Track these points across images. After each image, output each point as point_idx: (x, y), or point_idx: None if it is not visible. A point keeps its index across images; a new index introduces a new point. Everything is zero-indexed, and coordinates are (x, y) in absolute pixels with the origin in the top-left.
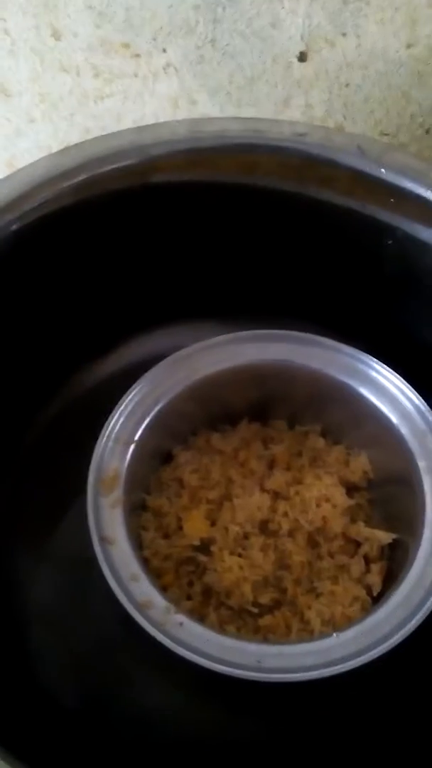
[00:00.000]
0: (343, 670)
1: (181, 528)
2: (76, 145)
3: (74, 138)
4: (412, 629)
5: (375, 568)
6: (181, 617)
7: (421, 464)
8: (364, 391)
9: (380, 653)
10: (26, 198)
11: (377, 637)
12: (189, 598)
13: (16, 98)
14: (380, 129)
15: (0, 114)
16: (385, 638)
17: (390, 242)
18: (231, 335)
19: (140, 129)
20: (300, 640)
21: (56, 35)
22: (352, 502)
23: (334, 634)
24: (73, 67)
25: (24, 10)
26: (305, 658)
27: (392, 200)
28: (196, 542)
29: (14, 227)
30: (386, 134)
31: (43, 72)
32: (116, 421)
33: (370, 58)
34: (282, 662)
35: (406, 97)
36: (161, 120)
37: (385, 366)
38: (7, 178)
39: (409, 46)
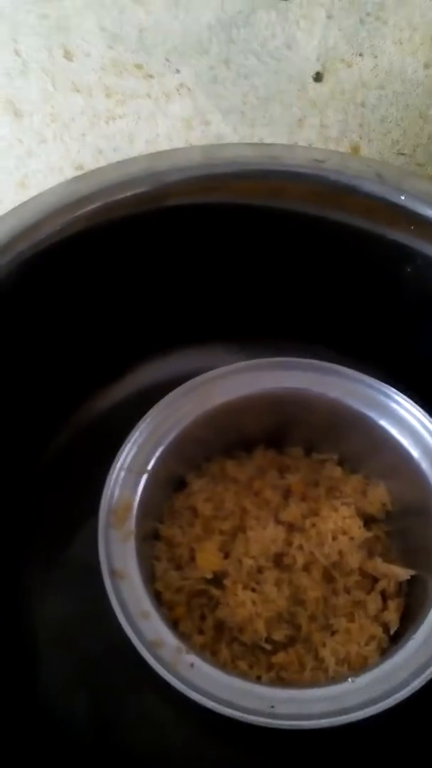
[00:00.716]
0: (357, 719)
1: (193, 559)
2: (91, 171)
3: (86, 158)
4: (431, 676)
5: (392, 605)
6: (192, 657)
7: None
8: (383, 423)
9: (396, 702)
10: (42, 225)
11: (394, 684)
12: (201, 632)
13: (28, 118)
14: (397, 149)
15: (11, 134)
16: (402, 686)
17: (409, 269)
18: (248, 362)
19: (155, 156)
20: (313, 684)
21: (68, 56)
22: (369, 534)
23: (350, 679)
24: (86, 88)
25: (36, 32)
26: (319, 704)
27: (412, 227)
28: (209, 575)
29: (29, 255)
30: (403, 154)
31: (55, 92)
32: (129, 450)
33: (387, 78)
34: (295, 708)
35: (423, 117)
36: (174, 140)
37: (405, 397)
38: (23, 204)
39: (427, 66)
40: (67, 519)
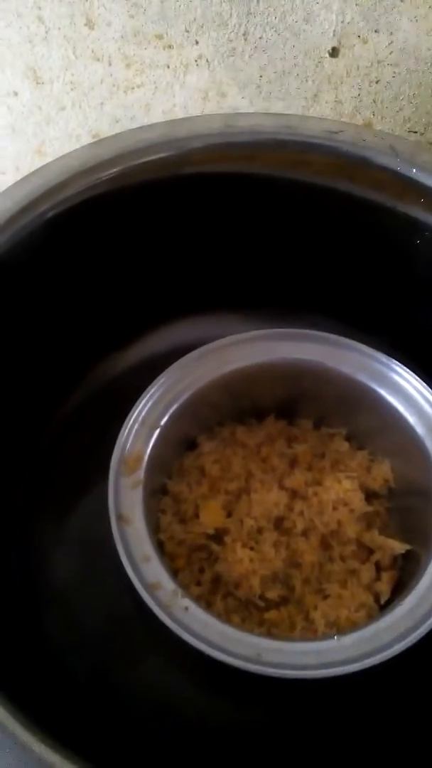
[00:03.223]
0: (340, 673)
1: (197, 515)
2: (112, 136)
3: (103, 127)
4: (414, 641)
5: (385, 576)
6: (187, 601)
7: None
8: (393, 400)
9: (379, 661)
10: (64, 187)
11: (377, 645)
12: (198, 584)
13: (48, 86)
14: (408, 126)
15: (31, 101)
16: (386, 647)
17: (419, 241)
18: (264, 331)
19: (175, 122)
20: (301, 639)
21: (90, 24)
22: (369, 508)
23: (335, 637)
24: (106, 57)
25: None
26: (304, 657)
27: (423, 200)
28: (211, 531)
29: (50, 215)
30: (414, 132)
31: (76, 60)
32: (144, 405)
33: (401, 55)
34: (281, 658)
35: None
36: (190, 111)
37: (414, 375)
38: (46, 166)
39: None
40: (80, 475)
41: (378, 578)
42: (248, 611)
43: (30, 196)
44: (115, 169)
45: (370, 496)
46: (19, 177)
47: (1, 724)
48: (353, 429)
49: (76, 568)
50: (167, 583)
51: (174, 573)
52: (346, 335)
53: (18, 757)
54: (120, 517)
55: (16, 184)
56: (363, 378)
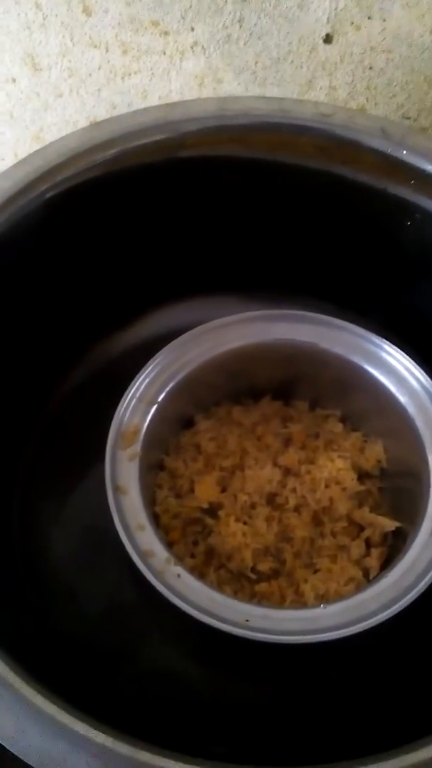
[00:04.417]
0: (326, 639)
1: (193, 491)
2: (108, 119)
3: (101, 113)
4: (398, 610)
5: (375, 552)
6: (179, 569)
7: (431, 456)
8: (385, 381)
9: (363, 628)
10: (60, 168)
11: (363, 613)
12: (192, 556)
13: (46, 72)
14: (402, 112)
15: (29, 87)
16: (371, 615)
17: (409, 223)
18: (260, 312)
19: (170, 105)
20: (289, 607)
21: (87, 11)
22: (361, 487)
23: (322, 606)
24: (103, 43)
25: None
26: (291, 623)
27: (413, 182)
28: (205, 505)
29: (48, 195)
30: (408, 117)
31: (73, 47)
32: (141, 381)
33: (394, 41)
34: (268, 624)
35: (428, 82)
36: (186, 97)
37: (407, 357)
38: (43, 148)
39: None
40: (79, 452)
41: (368, 554)
42: (240, 583)
43: (29, 176)
44: (112, 151)
45: (362, 475)
46: None
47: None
48: (347, 410)
49: (77, 542)
50: (161, 552)
51: (169, 545)
52: (338, 316)
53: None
54: (117, 488)
55: (15, 165)
56: (356, 359)
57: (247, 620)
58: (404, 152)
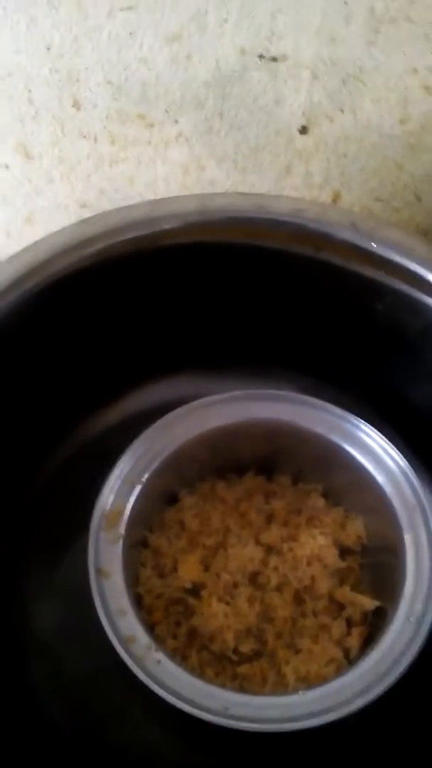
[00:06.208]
0: (303, 727)
1: (176, 569)
2: (96, 215)
3: (90, 197)
4: (374, 697)
5: (356, 632)
6: (160, 655)
7: (407, 537)
8: (363, 460)
9: (339, 716)
10: (52, 262)
11: (340, 700)
12: (175, 637)
13: (37, 160)
14: (375, 195)
15: (21, 174)
16: (347, 702)
17: (380, 307)
18: (241, 392)
19: (154, 203)
20: (268, 693)
21: (77, 105)
22: (343, 564)
23: (300, 692)
24: (92, 134)
25: (48, 83)
26: (270, 710)
27: (382, 271)
28: (188, 585)
29: (41, 287)
30: (381, 200)
31: (64, 137)
32: (126, 462)
33: (365, 131)
34: (247, 711)
35: (398, 167)
36: (171, 184)
37: (385, 439)
38: (36, 243)
39: (401, 121)
40: (65, 529)
41: (348, 633)
42: (222, 665)
43: (22, 270)
44: (98, 246)
45: (344, 552)
46: (9, 243)
47: None
48: (329, 485)
49: (60, 619)
50: (142, 637)
51: (151, 626)
52: (316, 389)
53: None
54: (99, 571)
55: (9, 259)
56: (335, 438)
57: (226, 708)
58: (373, 244)
